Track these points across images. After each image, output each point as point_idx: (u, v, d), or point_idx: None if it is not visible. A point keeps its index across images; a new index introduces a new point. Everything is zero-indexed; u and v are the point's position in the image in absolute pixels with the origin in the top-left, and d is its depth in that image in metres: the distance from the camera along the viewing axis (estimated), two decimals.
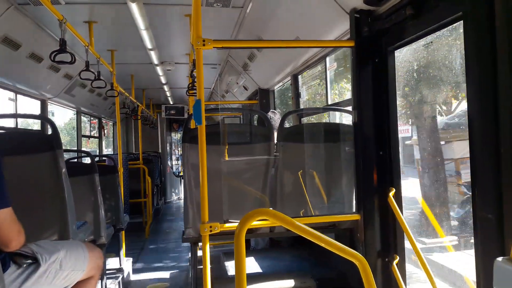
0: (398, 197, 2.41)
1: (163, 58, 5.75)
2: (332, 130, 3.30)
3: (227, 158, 2.86)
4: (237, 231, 1.41)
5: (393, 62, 2.45)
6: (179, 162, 12.56)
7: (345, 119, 3.77)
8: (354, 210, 2.62)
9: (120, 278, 4.33)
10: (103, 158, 6.86)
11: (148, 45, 4.60)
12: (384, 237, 2.46)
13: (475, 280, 1.71)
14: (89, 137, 8.41)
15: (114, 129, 10.23)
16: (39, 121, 6.06)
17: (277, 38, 3.84)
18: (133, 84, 7.51)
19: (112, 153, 9.50)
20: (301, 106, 4.96)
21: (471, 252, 1.74)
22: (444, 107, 5.83)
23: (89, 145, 10.45)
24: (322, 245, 1.35)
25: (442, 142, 5.53)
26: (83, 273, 2.11)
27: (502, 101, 1.55)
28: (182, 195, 11.15)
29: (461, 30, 1.77)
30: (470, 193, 1.75)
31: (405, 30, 2.19)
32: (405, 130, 7.32)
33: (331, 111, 4.51)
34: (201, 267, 2.13)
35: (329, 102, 4.22)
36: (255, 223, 1.59)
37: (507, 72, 1.53)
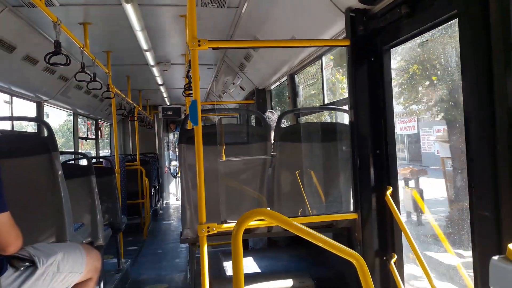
0: (395, 195, 2.41)
1: (159, 59, 5.73)
2: (329, 129, 3.30)
3: (224, 159, 2.85)
4: (235, 232, 1.42)
5: (388, 61, 2.46)
6: (176, 162, 12.54)
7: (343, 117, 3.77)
8: (351, 209, 2.62)
9: (118, 280, 4.32)
10: (100, 160, 6.85)
11: (144, 46, 4.58)
12: (381, 236, 2.46)
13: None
14: (85, 139, 8.37)
15: (110, 131, 10.20)
16: (34, 123, 6.06)
17: (273, 37, 3.84)
18: (129, 85, 7.49)
19: (109, 154, 9.48)
20: (298, 106, 4.95)
21: None
22: None
23: (83, 147, 10.41)
24: (320, 244, 1.35)
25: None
26: (81, 275, 2.10)
27: (497, 98, 1.56)
28: (179, 196, 11.13)
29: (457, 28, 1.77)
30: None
31: (400, 28, 2.20)
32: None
33: (327, 110, 4.51)
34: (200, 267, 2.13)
35: (326, 101, 4.22)
36: (252, 223, 1.59)
37: (502, 69, 1.54)
